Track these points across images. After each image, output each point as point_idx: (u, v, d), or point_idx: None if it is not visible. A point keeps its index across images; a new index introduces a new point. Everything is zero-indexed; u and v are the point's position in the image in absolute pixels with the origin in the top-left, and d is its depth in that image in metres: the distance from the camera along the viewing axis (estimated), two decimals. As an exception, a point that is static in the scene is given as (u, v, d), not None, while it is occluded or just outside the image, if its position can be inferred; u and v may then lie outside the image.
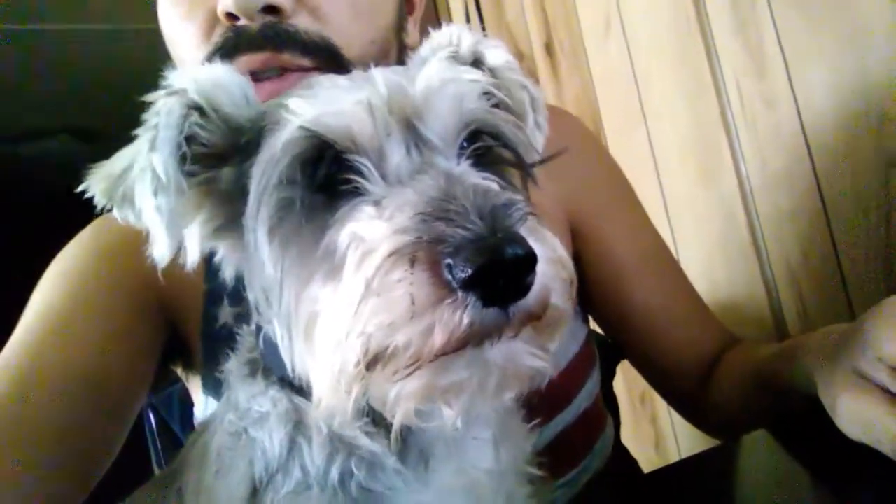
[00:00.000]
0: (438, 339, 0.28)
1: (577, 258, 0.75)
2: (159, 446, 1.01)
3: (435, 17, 1.84)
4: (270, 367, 0.41)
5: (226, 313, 0.63)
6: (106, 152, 0.38)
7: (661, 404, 0.89)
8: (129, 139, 0.36)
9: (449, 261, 0.27)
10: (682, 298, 0.75)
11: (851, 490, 0.42)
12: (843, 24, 0.78)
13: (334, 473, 0.37)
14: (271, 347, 0.39)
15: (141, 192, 0.34)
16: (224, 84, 0.37)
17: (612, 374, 0.95)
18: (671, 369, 0.75)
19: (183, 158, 0.35)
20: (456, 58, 0.40)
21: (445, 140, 0.34)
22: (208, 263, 0.65)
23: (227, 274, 0.39)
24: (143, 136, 0.35)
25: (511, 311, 0.29)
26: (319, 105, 0.34)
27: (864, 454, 0.40)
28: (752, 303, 0.98)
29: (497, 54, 0.40)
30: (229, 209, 0.37)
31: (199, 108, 0.36)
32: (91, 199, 0.38)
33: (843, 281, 0.82)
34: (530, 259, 0.28)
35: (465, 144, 0.36)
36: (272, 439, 0.38)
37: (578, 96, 1.36)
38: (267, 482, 0.38)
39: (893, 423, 0.39)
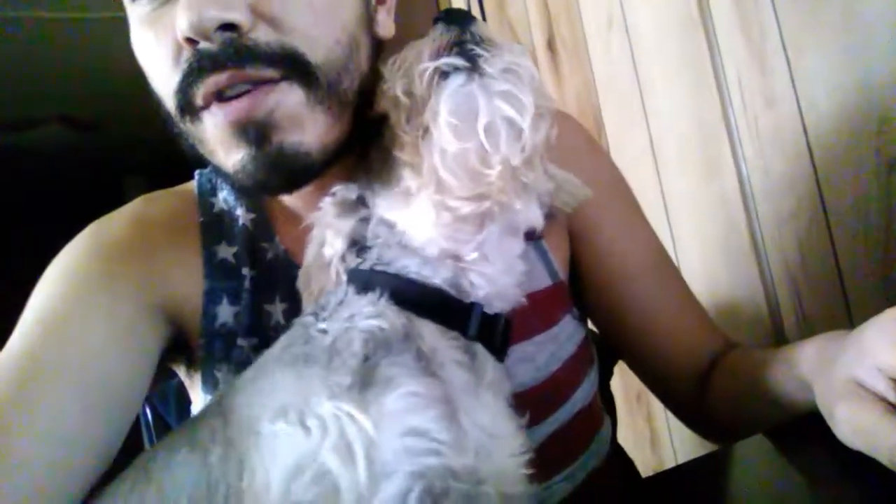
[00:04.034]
0: None
1: (576, 260, 0.75)
2: (155, 441, 1.01)
3: (437, 11, 1.83)
4: (380, 288, 0.49)
5: (225, 312, 0.63)
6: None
7: (656, 404, 0.90)
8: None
9: None
10: (680, 302, 0.75)
11: (849, 497, 0.43)
12: (847, 26, 0.77)
13: (436, 362, 0.45)
14: (381, 275, 0.50)
15: None
16: None
17: (610, 373, 0.95)
18: (667, 372, 0.75)
19: None
20: None
21: None
22: (208, 262, 0.65)
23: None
24: None
25: None
26: None
27: (862, 462, 0.41)
28: (750, 304, 0.98)
29: None
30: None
31: None
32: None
33: (842, 283, 0.83)
34: None
35: None
36: (393, 321, 0.46)
37: (580, 94, 1.36)
38: (384, 348, 0.44)
39: (891, 433, 0.39)
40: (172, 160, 0.64)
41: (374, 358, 0.43)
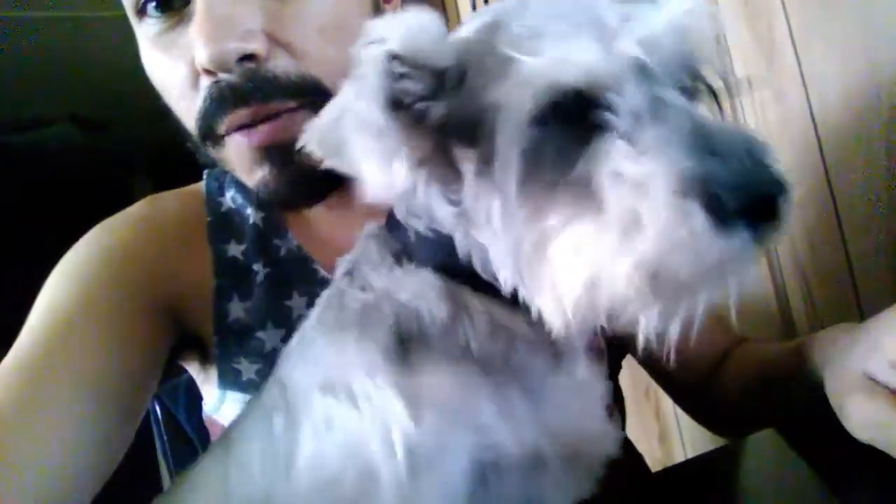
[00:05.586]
0: (709, 261, 0.30)
1: None
2: (165, 437, 1.02)
3: (441, 4, 1.82)
4: (423, 258, 0.42)
5: (236, 308, 0.64)
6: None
7: (665, 399, 0.90)
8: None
9: (721, 195, 0.29)
10: None
11: (859, 491, 0.42)
12: (855, 17, 0.76)
13: (497, 346, 0.39)
14: (428, 242, 0.41)
15: (351, 138, 0.36)
16: (427, 29, 0.37)
17: (619, 367, 0.95)
18: (676, 368, 0.75)
19: (388, 101, 0.36)
20: None
21: (668, 74, 0.34)
22: (217, 260, 0.65)
23: (417, 201, 0.40)
24: (350, 86, 0.37)
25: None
26: (553, 53, 0.33)
27: (872, 455, 0.40)
28: (759, 296, 0.97)
29: None
30: (432, 142, 0.38)
31: (399, 56, 0.37)
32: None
33: (852, 273, 0.82)
34: (790, 191, 0.32)
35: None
36: (433, 307, 0.39)
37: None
38: (419, 338, 0.39)
39: None
40: (181, 160, 0.64)
41: (409, 342, 0.39)
